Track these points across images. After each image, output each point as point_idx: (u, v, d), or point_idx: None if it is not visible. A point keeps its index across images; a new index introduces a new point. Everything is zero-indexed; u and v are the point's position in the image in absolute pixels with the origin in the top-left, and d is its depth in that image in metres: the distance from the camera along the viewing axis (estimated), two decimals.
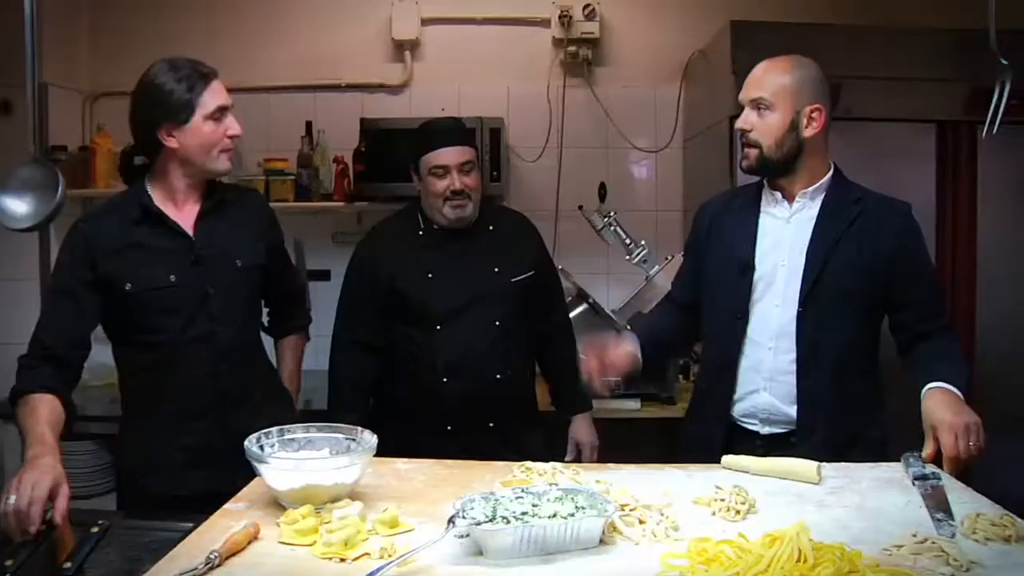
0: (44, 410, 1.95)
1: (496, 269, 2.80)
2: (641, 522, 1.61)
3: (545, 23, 4.18)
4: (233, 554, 1.48)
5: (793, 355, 2.27)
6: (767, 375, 2.30)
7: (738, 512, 1.69)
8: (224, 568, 1.43)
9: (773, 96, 2.24)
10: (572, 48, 4.12)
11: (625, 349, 2.44)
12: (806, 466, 1.92)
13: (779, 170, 2.29)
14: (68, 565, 1.52)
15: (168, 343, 2.23)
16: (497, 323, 2.78)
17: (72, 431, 2.14)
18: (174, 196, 2.27)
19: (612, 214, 3.47)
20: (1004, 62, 2.36)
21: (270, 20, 4.21)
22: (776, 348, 2.29)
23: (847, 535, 1.57)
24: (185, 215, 2.28)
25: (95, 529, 1.64)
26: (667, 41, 4.15)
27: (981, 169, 3.43)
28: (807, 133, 2.24)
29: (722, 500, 1.73)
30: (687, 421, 2.59)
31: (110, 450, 3.57)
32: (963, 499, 1.78)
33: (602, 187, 3.77)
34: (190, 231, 2.26)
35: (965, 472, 1.95)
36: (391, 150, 3.69)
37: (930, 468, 1.92)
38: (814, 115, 2.23)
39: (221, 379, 2.28)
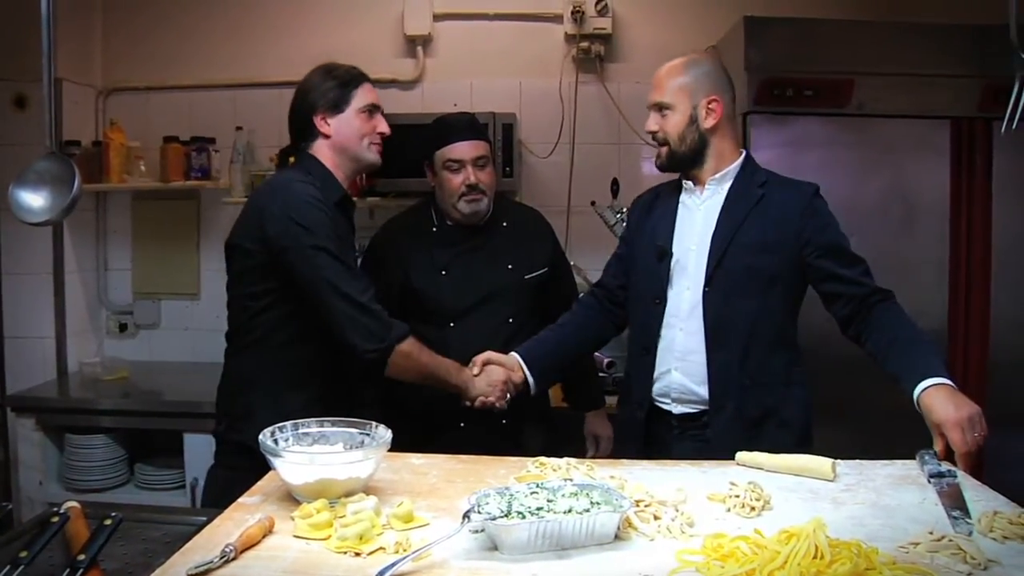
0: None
1: (510, 266, 2.79)
2: (656, 518, 1.60)
3: (557, 19, 4.16)
4: (248, 547, 1.48)
5: (702, 335, 2.35)
6: (678, 355, 2.39)
7: (753, 508, 1.69)
8: (240, 561, 1.43)
9: (671, 97, 2.41)
10: (584, 44, 4.10)
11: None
12: (820, 463, 1.92)
13: (687, 163, 2.43)
14: (82, 557, 1.50)
15: None
16: (510, 320, 2.78)
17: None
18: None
19: (624, 210, 3.46)
20: None
21: (282, 15, 4.20)
22: (686, 329, 2.38)
23: (863, 532, 1.56)
24: None
25: (108, 522, 1.62)
26: (680, 37, 4.11)
27: (996, 166, 3.39)
28: (707, 124, 2.38)
29: (737, 496, 1.72)
30: (618, 406, 2.68)
31: (122, 443, 3.60)
32: (979, 497, 1.77)
33: (614, 183, 3.75)
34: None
35: (978, 468, 1.94)
36: (403, 146, 3.66)
37: (946, 466, 1.91)
38: (711, 106, 2.37)
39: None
